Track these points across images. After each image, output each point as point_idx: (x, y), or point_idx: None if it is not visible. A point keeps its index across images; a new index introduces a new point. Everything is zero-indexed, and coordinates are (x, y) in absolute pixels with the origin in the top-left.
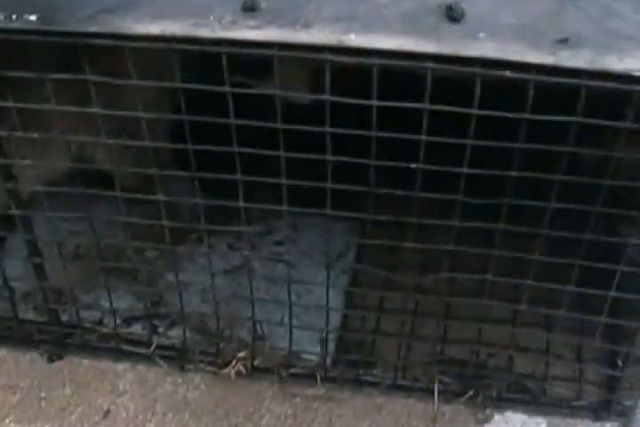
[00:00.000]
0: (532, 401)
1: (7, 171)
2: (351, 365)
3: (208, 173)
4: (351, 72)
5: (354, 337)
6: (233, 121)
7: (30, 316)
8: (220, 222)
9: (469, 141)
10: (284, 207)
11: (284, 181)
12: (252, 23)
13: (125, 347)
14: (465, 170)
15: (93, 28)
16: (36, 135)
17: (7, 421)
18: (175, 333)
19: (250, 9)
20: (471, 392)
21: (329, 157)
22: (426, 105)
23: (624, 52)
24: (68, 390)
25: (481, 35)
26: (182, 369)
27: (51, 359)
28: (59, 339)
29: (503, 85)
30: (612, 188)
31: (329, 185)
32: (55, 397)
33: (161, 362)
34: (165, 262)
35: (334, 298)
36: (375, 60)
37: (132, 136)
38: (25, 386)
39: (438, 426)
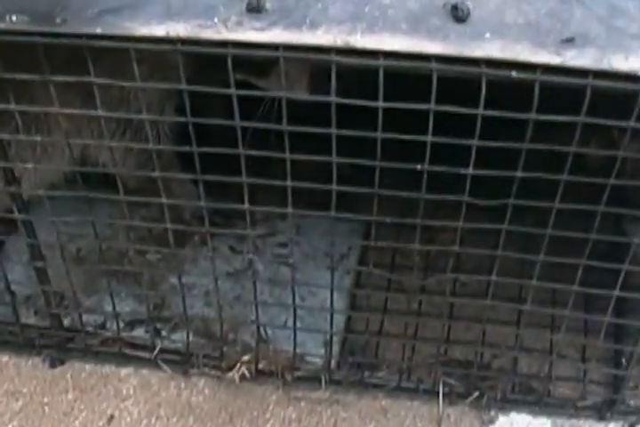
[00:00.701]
0: (537, 402)
1: (9, 174)
2: (356, 367)
3: (212, 176)
4: (351, 72)
5: (358, 339)
6: (238, 123)
7: (32, 320)
8: (222, 225)
9: (475, 142)
10: (290, 210)
11: (288, 183)
12: (258, 24)
13: (128, 351)
14: (470, 171)
15: (98, 30)
16: (38, 138)
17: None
18: (178, 336)
19: (255, 10)
20: (476, 394)
21: (334, 159)
22: (432, 106)
23: (630, 51)
24: (71, 396)
25: (487, 35)
26: (186, 373)
27: (53, 365)
28: (61, 343)
29: (502, 85)
30: (615, 186)
31: (334, 187)
32: (58, 402)
33: (164, 366)
34: (167, 265)
35: (338, 300)
36: (381, 62)
37: (135, 138)
38: (28, 392)
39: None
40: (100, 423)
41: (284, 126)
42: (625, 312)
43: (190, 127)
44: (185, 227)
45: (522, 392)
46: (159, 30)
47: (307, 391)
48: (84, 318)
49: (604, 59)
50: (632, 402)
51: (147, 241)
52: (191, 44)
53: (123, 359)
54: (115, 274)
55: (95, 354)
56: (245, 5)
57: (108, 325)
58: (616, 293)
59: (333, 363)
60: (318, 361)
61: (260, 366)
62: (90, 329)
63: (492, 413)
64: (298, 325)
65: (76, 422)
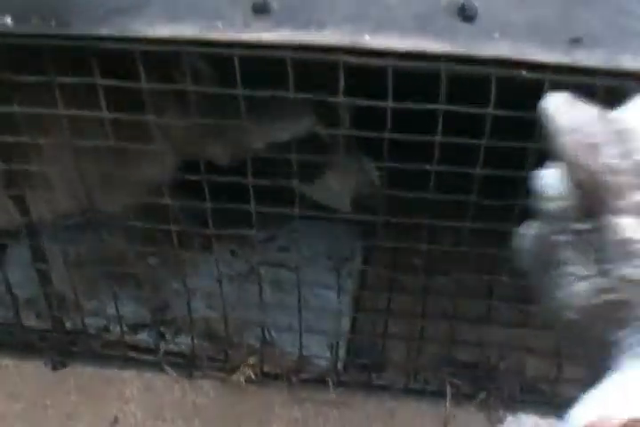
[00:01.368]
0: (545, 402)
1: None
2: (362, 369)
3: (220, 177)
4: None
5: (363, 341)
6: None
7: (33, 323)
8: (222, 228)
9: (484, 142)
10: (296, 210)
11: (295, 183)
12: (265, 25)
13: (132, 354)
14: (478, 171)
15: (104, 31)
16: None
17: None
18: (182, 339)
19: (261, 10)
20: (483, 395)
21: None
22: (441, 106)
23: (638, 50)
24: (73, 398)
25: (495, 34)
26: (191, 376)
27: (55, 367)
28: (63, 346)
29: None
30: None
31: None
32: (61, 404)
33: (169, 369)
34: (168, 269)
35: (343, 302)
36: (390, 62)
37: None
38: (29, 393)
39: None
40: (104, 426)
41: None
42: None
43: None
44: (188, 228)
45: (529, 393)
46: (164, 31)
47: (313, 393)
48: (87, 320)
49: (612, 58)
50: None
51: (146, 244)
52: (198, 45)
53: (126, 363)
54: (116, 277)
55: (98, 357)
56: (252, 6)
57: (111, 328)
58: None
59: (339, 365)
60: (324, 363)
61: (266, 368)
62: (92, 332)
63: (500, 413)
64: (303, 327)
65: (80, 425)
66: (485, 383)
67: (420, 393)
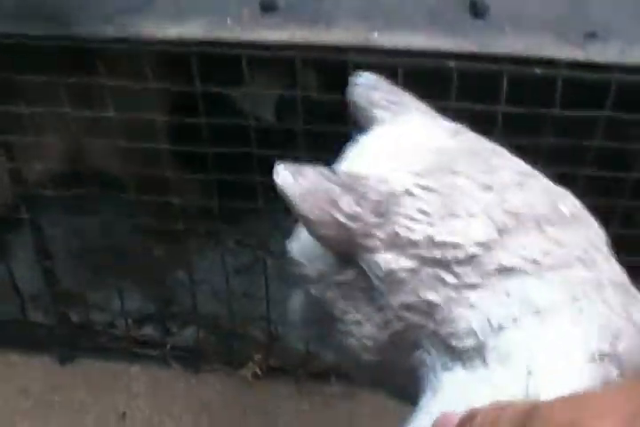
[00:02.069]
0: None
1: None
2: None
3: (227, 175)
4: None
5: None
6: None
7: (40, 318)
8: (228, 220)
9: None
10: None
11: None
12: (272, 23)
13: (138, 349)
14: None
15: (109, 32)
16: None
17: (21, 426)
18: (188, 333)
19: (269, 8)
20: None
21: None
22: (451, 103)
23: None
24: (81, 393)
25: (507, 30)
26: (197, 371)
27: (63, 362)
28: (69, 341)
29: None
30: None
31: None
32: (69, 400)
33: (175, 364)
34: (174, 261)
35: None
36: (401, 60)
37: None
38: (38, 390)
39: None
40: (112, 421)
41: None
42: None
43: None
44: (193, 224)
45: None
46: (171, 32)
47: (319, 387)
48: (92, 315)
49: (628, 51)
50: None
51: (150, 236)
52: (205, 45)
53: (132, 357)
54: (121, 270)
55: (105, 352)
56: (259, 4)
57: (117, 322)
58: None
59: None
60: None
61: (272, 362)
62: (98, 327)
63: None
64: None
65: (88, 420)
66: None
67: None
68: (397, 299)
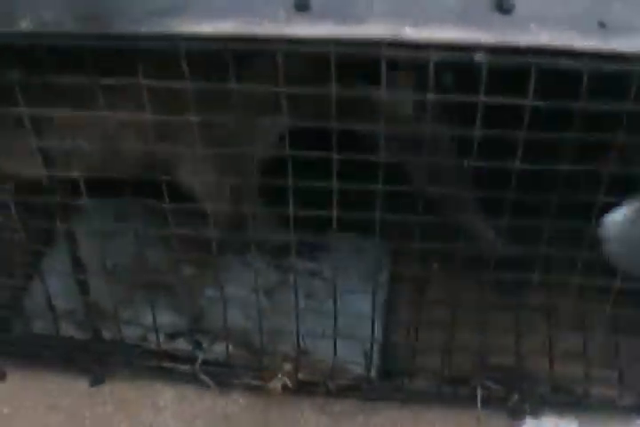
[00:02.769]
0: (576, 404)
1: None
2: (395, 376)
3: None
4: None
5: (396, 348)
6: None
7: (71, 333)
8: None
9: (522, 134)
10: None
11: (334, 185)
12: (306, 20)
13: (168, 364)
14: (518, 165)
15: (143, 30)
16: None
17: None
18: (218, 348)
19: (302, 6)
20: (516, 397)
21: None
22: (481, 98)
23: None
24: (110, 408)
25: (532, 25)
26: (227, 385)
27: (93, 384)
28: (101, 357)
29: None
30: None
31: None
32: (98, 415)
33: (205, 378)
34: (203, 278)
35: (375, 310)
36: (432, 54)
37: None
38: (68, 406)
39: None
40: None
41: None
42: None
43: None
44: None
45: (560, 395)
46: (207, 28)
47: (347, 400)
48: (124, 330)
49: None
50: None
51: (182, 254)
52: (241, 41)
53: (163, 372)
54: (152, 286)
55: (135, 368)
56: (293, 3)
57: (149, 337)
58: None
59: (374, 372)
60: (358, 370)
61: (300, 376)
62: (130, 342)
63: (531, 416)
64: (336, 335)
65: None
66: (517, 386)
67: (451, 398)
68: None
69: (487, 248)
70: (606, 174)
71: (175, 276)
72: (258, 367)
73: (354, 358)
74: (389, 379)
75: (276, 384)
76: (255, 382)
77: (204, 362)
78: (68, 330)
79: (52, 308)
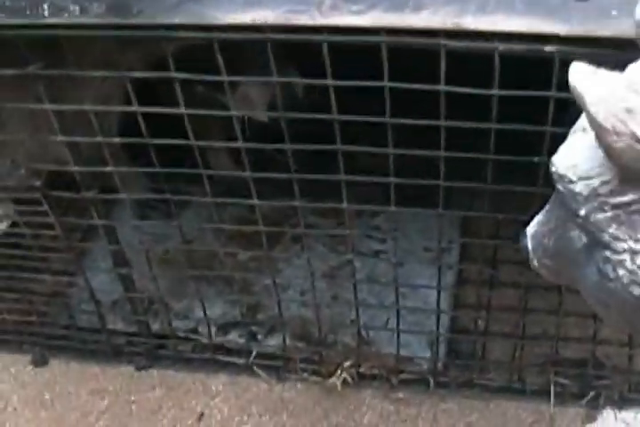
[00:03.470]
0: None
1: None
2: (463, 369)
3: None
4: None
5: (464, 339)
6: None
7: (119, 326)
8: (313, 221)
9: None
10: (392, 208)
11: (392, 179)
12: (355, 8)
13: (221, 357)
14: None
15: (177, 20)
16: None
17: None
18: (275, 340)
19: None
20: (592, 394)
21: (442, 154)
22: (553, 92)
23: None
24: (158, 393)
25: (613, 12)
26: (283, 379)
27: (141, 366)
28: (150, 350)
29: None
30: None
31: (441, 183)
32: (145, 400)
33: (261, 372)
34: (259, 265)
35: (442, 298)
36: (497, 44)
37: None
38: (113, 390)
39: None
40: (190, 422)
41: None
42: None
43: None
44: (280, 229)
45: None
46: (245, 17)
47: (412, 394)
48: (174, 322)
49: None
50: None
51: (236, 240)
52: (282, 31)
53: (216, 366)
54: (204, 276)
55: (186, 361)
56: None
57: (200, 329)
58: None
59: (440, 365)
60: (424, 363)
61: (362, 369)
62: (181, 335)
63: (608, 412)
64: (400, 325)
65: (165, 421)
66: (593, 382)
67: (522, 393)
68: None
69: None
70: None
71: (229, 264)
72: (317, 361)
73: (420, 351)
74: (456, 370)
75: (335, 381)
76: (314, 379)
77: (259, 355)
78: (116, 323)
79: (96, 301)
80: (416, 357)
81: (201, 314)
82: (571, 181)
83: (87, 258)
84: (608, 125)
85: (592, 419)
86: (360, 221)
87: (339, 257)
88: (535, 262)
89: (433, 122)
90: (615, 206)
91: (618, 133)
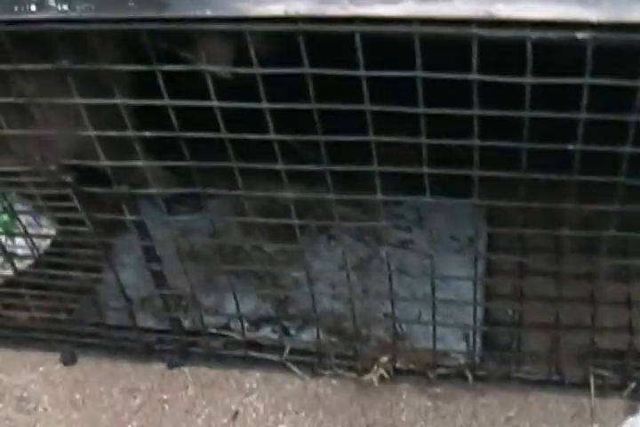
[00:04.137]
0: None
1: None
2: (501, 362)
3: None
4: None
5: (499, 331)
6: (368, 107)
7: (149, 324)
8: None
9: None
10: (427, 198)
11: (425, 169)
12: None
13: (255, 353)
14: (628, 149)
15: (208, 12)
16: None
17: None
18: (308, 335)
19: None
20: (632, 385)
21: (476, 142)
22: (587, 79)
23: None
24: (191, 392)
25: None
26: (318, 376)
27: (171, 367)
28: (182, 347)
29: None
30: None
31: (476, 172)
32: (178, 399)
33: (295, 369)
34: (287, 258)
35: (475, 289)
36: (529, 33)
37: None
38: (146, 389)
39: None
40: (225, 420)
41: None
42: None
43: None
44: (308, 222)
45: None
46: (276, 9)
47: (449, 389)
48: (205, 319)
49: None
50: None
51: (262, 232)
52: (314, 22)
53: (249, 362)
54: (233, 270)
55: (219, 358)
56: None
57: (232, 325)
58: None
59: (477, 358)
60: (460, 357)
61: (398, 364)
62: (213, 331)
63: None
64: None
65: (199, 420)
66: (634, 373)
67: (561, 385)
68: None
69: None
70: None
71: (257, 258)
72: (352, 356)
73: (455, 344)
74: (493, 363)
75: (372, 377)
76: (349, 375)
77: (293, 351)
78: (146, 320)
79: (126, 298)
80: (452, 350)
81: (232, 309)
82: None
83: (112, 254)
84: None
85: (634, 411)
86: (384, 210)
87: (367, 248)
88: None
89: (466, 111)
90: None
91: None
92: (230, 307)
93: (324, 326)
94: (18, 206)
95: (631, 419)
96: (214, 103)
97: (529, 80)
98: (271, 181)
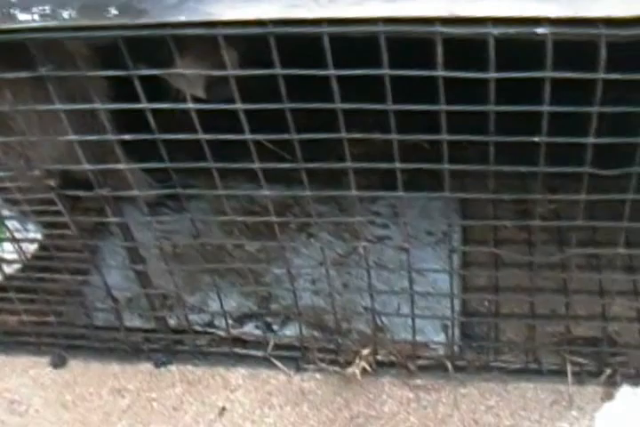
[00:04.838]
0: None
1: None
2: (479, 352)
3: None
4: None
5: (477, 322)
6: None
7: (136, 323)
8: (316, 209)
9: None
10: (401, 193)
11: (397, 165)
12: (351, 1)
13: (240, 350)
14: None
15: (182, 18)
16: None
17: (120, 426)
18: (291, 330)
19: None
20: (608, 371)
21: (444, 137)
22: (547, 73)
23: None
24: (178, 389)
25: None
26: (302, 370)
27: (158, 366)
28: (168, 346)
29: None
30: None
31: (446, 166)
32: (166, 397)
33: (279, 363)
34: (268, 256)
35: (451, 282)
36: (491, 29)
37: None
38: (134, 388)
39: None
40: (212, 416)
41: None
42: None
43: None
44: (287, 219)
45: None
46: (249, 13)
47: (430, 380)
48: (190, 317)
49: None
50: None
51: (243, 232)
52: (284, 25)
53: (234, 359)
54: (216, 269)
55: (205, 355)
56: None
57: (217, 322)
58: None
59: (456, 349)
60: (440, 348)
61: (379, 357)
62: (198, 328)
63: (626, 389)
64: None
65: (187, 417)
66: (609, 359)
67: (539, 374)
68: None
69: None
70: None
71: (238, 256)
72: (334, 349)
73: (434, 335)
74: (472, 353)
75: (354, 370)
76: (332, 368)
77: (277, 346)
78: (132, 320)
79: (113, 299)
80: (431, 342)
81: (216, 307)
82: None
83: (96, 257)
84: None
85: (611, 396)
86: (360, 207)
87: (346, 244)
88: None
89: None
90: None
91: None
92: (214, 305)
93: (306, 320)
94: (4, 212)
95: (608, 405)
96: (190, 105)
97: (492, 75)
98: (253, 183)
